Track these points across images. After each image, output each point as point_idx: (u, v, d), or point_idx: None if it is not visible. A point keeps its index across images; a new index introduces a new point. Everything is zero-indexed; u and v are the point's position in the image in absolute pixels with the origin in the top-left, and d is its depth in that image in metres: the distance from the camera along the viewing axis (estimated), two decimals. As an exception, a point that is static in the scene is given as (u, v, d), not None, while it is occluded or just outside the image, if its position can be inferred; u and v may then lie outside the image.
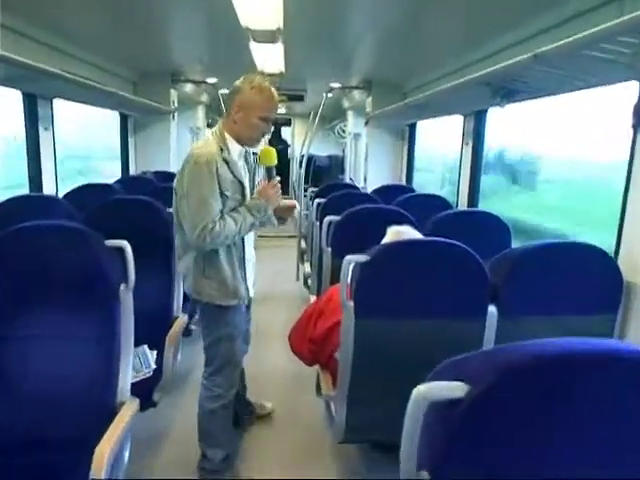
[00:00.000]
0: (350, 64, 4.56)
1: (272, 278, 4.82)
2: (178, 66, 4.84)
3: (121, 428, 1.49)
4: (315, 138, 7.07)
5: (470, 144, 3.35)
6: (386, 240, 1.91)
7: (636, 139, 1.73)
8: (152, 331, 2.23)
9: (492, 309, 1.65)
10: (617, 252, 1.85)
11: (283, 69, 4.60)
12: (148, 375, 2.19)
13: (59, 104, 3.52)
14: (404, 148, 5.39)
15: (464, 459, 0.73)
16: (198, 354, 3.26)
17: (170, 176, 4.87)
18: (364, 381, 1.70)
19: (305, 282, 4.10)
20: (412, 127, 5.21)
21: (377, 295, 1.59)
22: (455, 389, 0.73)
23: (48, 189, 3.39)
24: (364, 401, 1.75)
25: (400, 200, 3.39)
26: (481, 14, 2.59)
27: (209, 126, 8.04)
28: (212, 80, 5.33)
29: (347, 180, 7.95)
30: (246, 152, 1.94)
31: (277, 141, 10.39)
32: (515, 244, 2.53)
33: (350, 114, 7.34)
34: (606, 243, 1.82)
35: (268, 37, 3.22)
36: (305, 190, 6.05)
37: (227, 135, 1.84)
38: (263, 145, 1.97)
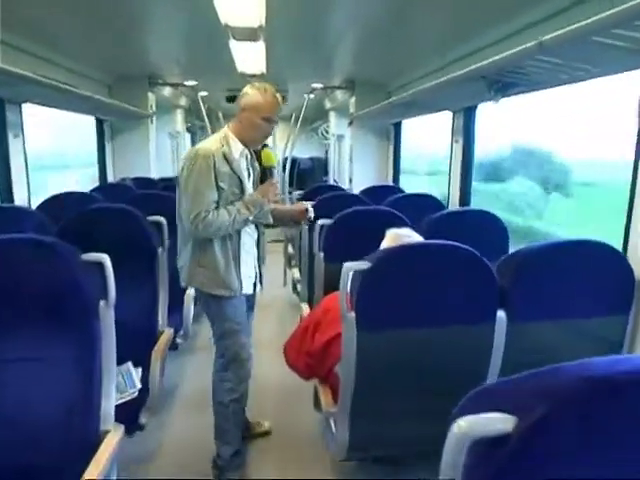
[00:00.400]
0: (333, 63, 4.46)
1: None
2: (155, 68, 4.68)
3: (105, 459, 1.36)
4: (297, 140, 6.96)
5: (460, 142, 3.27)
6: (385, 244, 1.81)
7: (642, 131, 1.66)
8: (136, 347, 2.09)
9: (501, 314, 1.56)
10: (625, 249, 1.78)
11: (264, 69, 4.49)
12: (133, 396, 2.04)
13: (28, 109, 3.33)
14: (389, 148, 5.31)
15: None
16: (185, 368, 3.17)
17: (151, 182, 4.72)
18: (367, 396, 1.59)
19: (294, 288, 3.98)
20: (397, 126, 5.13)
21: (380, 305, 1.48)
22: (501, 422, 0.63)
23: (20, 200, 3.20)
24: (367, 416, 1.64)
25: (390, 201, 3.29)
26: (467, 9, 2.52)
27: (189, 131, 7.87)
28: (191, 83, 5.19)
29: (331, 182, 7.86)
30: (249, 153, 2.03)
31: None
32: (516, 244, 2.46)
33: (332, 115, 7.25)
34: None
35: (249, 35, 3.11)
36: (290, 193, 5.94)
37: (231, 134, 1.94)
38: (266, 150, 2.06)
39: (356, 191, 4.57)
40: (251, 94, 1.91)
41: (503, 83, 2.02)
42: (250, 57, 3.84)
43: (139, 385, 2.08)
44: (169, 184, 4.28)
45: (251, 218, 1.92)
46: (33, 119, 3.51)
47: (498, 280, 1.54)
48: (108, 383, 1.60)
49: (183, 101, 6.52)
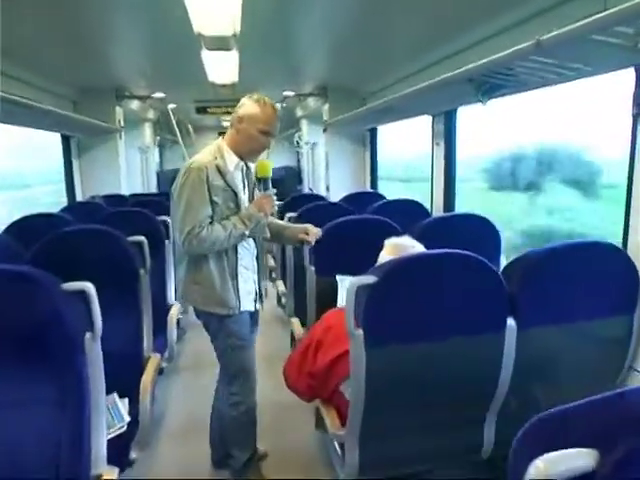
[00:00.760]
0: (305, 70, 4.41)
1: None
2: (123, 81, 4.51)
3: (100, 510, 1.24)
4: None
5: (441, 145, 3.24)
6: (385, 255, 1.74)
7: (637, 128, 1.65)
8: (121, 376, 1.94)
9: (510, 321, 1.51)
10: (624, 247, 1.76)
11: (236, 79, 4.39)
12: (122, 430, 1.91)
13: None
14: (366, 154, 5.28)
15: None
16: (171, 392, 3.03)
17: (122, 199, 4.54)
18: (378, 414, 1.51)
19: (279, 301, 3.88)
20: (373, 131, 5.10)
21: (389, 320, 1.41)
22: (582, 458, 0.56)
23: None
24: (378, 435, 1.57)
25: (374, 208, 3.24)
26: (445, 11, 2.49)
27: (157, 145, 7.67)
28: (159, 95, 5.04)
29: (306, 190, 7.78)
30: (245, 165, 1.98)
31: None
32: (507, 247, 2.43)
33: (304, 122, 7.18)
34: None
35: (222, 44, 3.01)
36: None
37: (226, 147, 1.90)
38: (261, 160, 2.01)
39: (335, 199, 4.51)
40: (249, 105, 1.87)
41: (491, 85, 1.99)
42: (222, 66, 3.74)
43: (128, 418, 1.95)
44: (141, 200, 4.14)
45: (247, 233, 1.86)
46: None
47: (506, 287, 1.49)
48: (98, 422, 1.47)
49: (151, 114, 6.35)
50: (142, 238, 2.35)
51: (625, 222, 1.75)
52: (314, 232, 2.15)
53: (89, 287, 1.45)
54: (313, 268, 2.38)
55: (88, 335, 1.43)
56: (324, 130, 5.51)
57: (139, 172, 6.26)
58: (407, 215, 2.82)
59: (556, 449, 0.59)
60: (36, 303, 1.32)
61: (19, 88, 3.35)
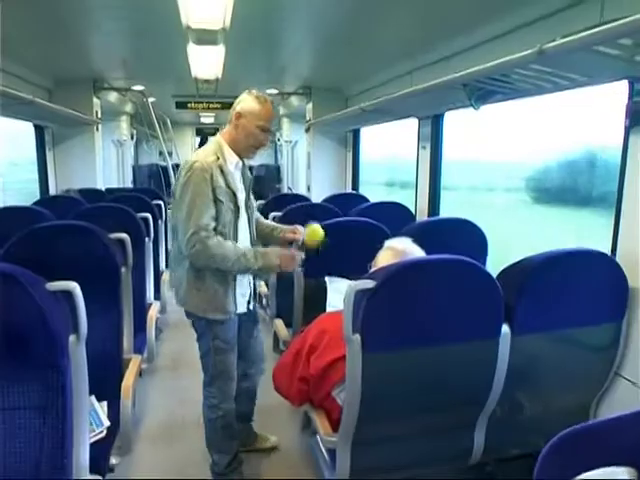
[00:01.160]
0: (290, 68, 4.36)
1: None
2: (101, 71, 4.36)
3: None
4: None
5: (427, 148, 3.26)
6: (383, 258, 1.72)
7: (628, 139, 1.68)
8: (99, 378, 1.86)
9: (505, 327, 1.51)
10: (613, 254, 1.79)
11: (220, 75, 4.31)
12: (102, 435, 1.83)
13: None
14: (348, 155, 5.26)
15: None
16: (148, 393, 2.94)
17: (98, 193, 4.40)
18: (371, 420, 1.49)
19: (260, 301, 3.83)
20: (356, 133, 5.09)
21: (387, 325, 1.39)
22: (622, 477, 0.55)
23: None
24: (371, 441, 1.55)
25: (358, 210, 3.23)
26: (435, 15, 2.50)
27: (133, 138, 7.48)
28: (139, 87, 4.90)
29: (285, 189, 7.73)
30: (243, 165, 1.97)
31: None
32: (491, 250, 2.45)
33: (285, 121, 7.13)
34: None
35: (210, 38, 2.94)
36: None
37: (225, 145, 1.87)
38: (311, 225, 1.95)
39: (315, 199, 4.47)
40: (249, 101, 1.84)
41: (486, 91, 1.99)
42: (207, 61, 3.66)
43: (107, 423, 1.87)
44: (119, 195, 4.01)
45: (254, 269, 1.81)
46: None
47: (502, 293, 1.49)
48: (80, 430, 1.41)
49: (129, 107, 6.18)
50: (125, 235, 2.28)
51: (614, 230, 1.78)
52: (302, 233, 2.13)
53: (74, 287, 1.39)
54: (301, 269, 2.34)
55: (72, 337, 1.37)
56: (307, 130, 5.48)
57: (115, 166, 6.09)
58: (392, 218, 2.81)
59: (587, 465, 0.58)
60: (19, 304, 1.25)
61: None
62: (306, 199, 4.16)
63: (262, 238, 2.11)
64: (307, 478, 2.08)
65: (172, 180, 5.36)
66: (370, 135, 5.23)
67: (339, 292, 2.06)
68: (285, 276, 2.56)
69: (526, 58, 1.48)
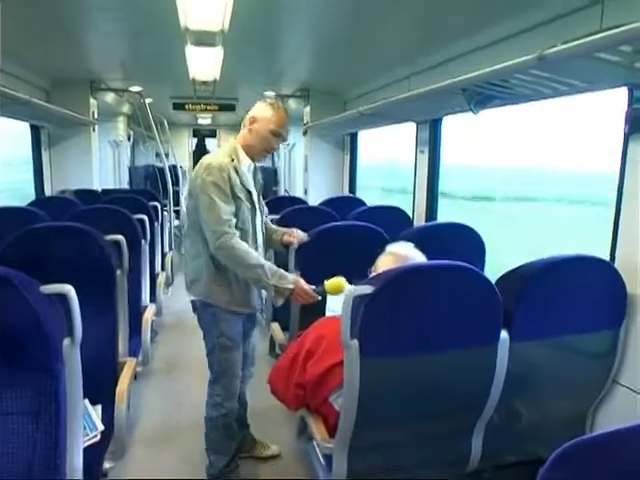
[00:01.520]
0: (289, 71, 4.36)
1: None
2: (99, 72, 4.35)
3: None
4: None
5: (425, 152, 3.25)
6: (383, 262, 1.71)
7: (627, 146, 1.67)
8: (94, 382, 1.84)
9: (504, 334, 1.50)
10: (612, 261, 1.79)
11: (218, 76, 4.30)
12: (95, 440, 1.81)
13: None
14: (346, 158, 5.26)
15: None
16: (143, 396, 2.91)
17: (94, 195, 4.37)
18: (368, 426, 1.48)
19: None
20: (354, 136, 5.09)
21: (385, 331, 1.38)
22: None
23: None
24: (367, 447, 1.54)
25: (356, 213, 3.22)
26: (434, 20, 2.50)
27: (130, 139, 7.46)
28: (136, 88, 4.88)
29: (282, 192, 7.71)
30: (255, 168, 2.04)
31: (201, 153, 9.93)
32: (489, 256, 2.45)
33: (283, 124, 7.11)
34: None
35: (208, 40, 2.94)
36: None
37: (239, 148, 1.95)
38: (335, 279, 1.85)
39: (312, 202, 4.47)
40: (262, 107, 1.95)
41: (485, 95, 1.99)
42: (205, 63, 3.66)
43: (101, 427, 1.85)
44: (116, 196, 3.98)
45: (265, 283, 1.83)
46: None
47: (501, 299, 1.48)
48: (74, 434, 1.39)
49: (126, 108, 6.16)
50: (120, 237, 2.26)
51: (613, 236, 1.78)
52: (298, 235, 2.20)
53: (69, 290, 1.37)
54: (298, 273, 2.32)
55: (67, 341, 1.35)
56: (304, 132, 5.47)
57: (111, 167, 6.06)
58: (389, 222, 2.80)
59: (598, 477, 0.57)
60: (13, 307, 1.23)
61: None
62: (303, 202, 4.15)
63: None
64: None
65: (169, 181, 5.34)
66: (368, 138, 5.24)
67: (338, 297, 2.05)
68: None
69: (526, 63, 1.48)
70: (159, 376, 3.16)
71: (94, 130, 4.76)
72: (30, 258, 1.94)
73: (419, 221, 3.38)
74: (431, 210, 3.29)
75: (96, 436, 1.82)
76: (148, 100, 5.22)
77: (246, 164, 1.96)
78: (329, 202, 3.85)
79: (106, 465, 1.78)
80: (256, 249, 1.95)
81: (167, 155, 6.46)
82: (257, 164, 2.08)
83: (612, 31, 1.23)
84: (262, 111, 1.93)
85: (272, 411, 2.29)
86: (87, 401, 1.88)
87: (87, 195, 4.20)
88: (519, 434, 1.74)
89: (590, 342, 1.65)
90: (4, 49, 3.09)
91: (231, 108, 6.06)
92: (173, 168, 6.40)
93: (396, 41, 2.97)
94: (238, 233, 1.84)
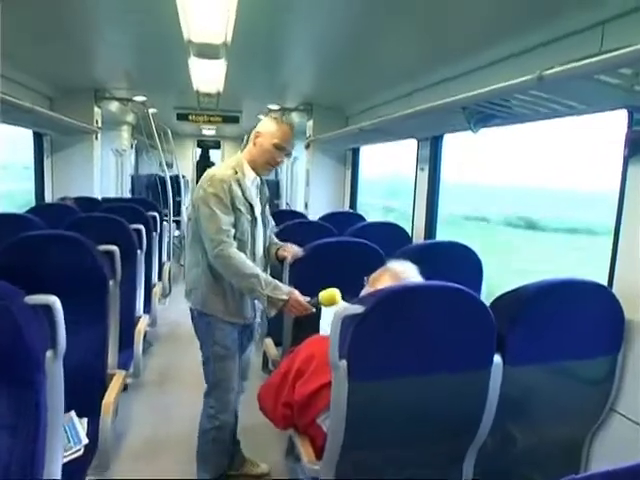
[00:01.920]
0: (292, 85, 4.38)
1: None
2: (103, 81, 4.38)
3: None
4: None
5: (425, 170, 3.24)
6: (380, 277, 1.69)
7: (627, 169, 1.65)
8: (81, 393, 1.81)
9: (497, 358, 1.47)
10: (610, 286, 1.76)
11: (221, 88, 4.32)
12: (79, 453, 1.77)
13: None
14: (347, 173, 5.26)
15: None
16: (132, 409, 2.87)
17: (94, 203, 4.37)
18: (357, 449, 1.44)
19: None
20: (355, 151, 5.09)
21: (374, 352, 1.35)
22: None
23: None
24: (355, 471, 1.49)
25: (354, 229, 3.20)
26: (437, 38, 2.51)
27: (135, 149, 7.50)
28: (140, 98, 4.91)
29: (283, 206, 7.71)
30: (260, 181, 2.10)
31: (205, 164, 9.98)
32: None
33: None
34: None
35: (211, 52, 2.95)
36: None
37: (245, 162, 2.01)
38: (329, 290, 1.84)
39: (312, 216, 4.46)
40: (267, 122, 2.02)
41: (485, 114, 1.98)
42: (208, 75, 3.67)
43: (85, 440, 1.81)
44: (115, 205, 3.98)
45: (259, 294, 1.85)
46: None
47: (495, 323, 1.45)
48: (53, 449, 1.35)
49: (130, 117, 6.19)
50: (114, 247, 2.24)
51: (612, 261, 1.75)
52: (292, 250, 2.21)
53: (54, 301, 1.34)
54: (292, 287, 2.30)
55: (49, 353, 1.32)
56: (306, 147, 5.48)
57: (113, 175, 6.07)
58: (388, 238, 2.79)
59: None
60: (-4, 317, 1.21)
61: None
62: (303, 216, 4.14)
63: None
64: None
65: (169, 191, 5.34)
66: (371, 153, 5.23)
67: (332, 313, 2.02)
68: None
69: (525, 84, 1.47)
70: (150, 388, 3.12)
71: (97, 138, 4.78)
72: (22, 266, 1.93)
73: (418, 239, 3.35)
74: (430, 228, 3.26)
75: (80, 450, 1.78)
76: (152, 110, 5.25)
77: (250, 178, 2.00)
78: (329, 217, 3.83)
79: (89, 479, 1.74)
80: (253, 260, 1.97)
81: (171, 165, 6.47)
82: (263, 178, 2.10)
83: (612, 53, 1.22)
84: (266, 126, 1.99)
85: (262, 428, 2.24)
86: (73, 413, 1.85)
87: (87, 203, 4.20)
88: (512, 461, 1.69)
89: (586, 368, 1.61)
90: (9, 56, 3.12)
91: (235, 120, 6.09)
92: (175, 178, 6.41)
93: (398, 58, 2.99)
94: (236, 243, 1.88)
